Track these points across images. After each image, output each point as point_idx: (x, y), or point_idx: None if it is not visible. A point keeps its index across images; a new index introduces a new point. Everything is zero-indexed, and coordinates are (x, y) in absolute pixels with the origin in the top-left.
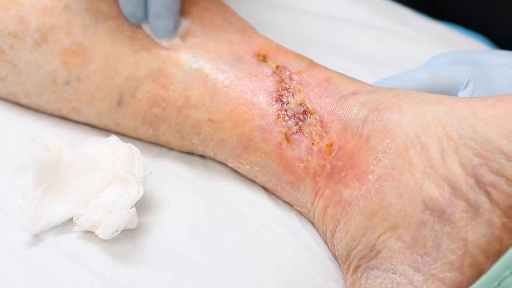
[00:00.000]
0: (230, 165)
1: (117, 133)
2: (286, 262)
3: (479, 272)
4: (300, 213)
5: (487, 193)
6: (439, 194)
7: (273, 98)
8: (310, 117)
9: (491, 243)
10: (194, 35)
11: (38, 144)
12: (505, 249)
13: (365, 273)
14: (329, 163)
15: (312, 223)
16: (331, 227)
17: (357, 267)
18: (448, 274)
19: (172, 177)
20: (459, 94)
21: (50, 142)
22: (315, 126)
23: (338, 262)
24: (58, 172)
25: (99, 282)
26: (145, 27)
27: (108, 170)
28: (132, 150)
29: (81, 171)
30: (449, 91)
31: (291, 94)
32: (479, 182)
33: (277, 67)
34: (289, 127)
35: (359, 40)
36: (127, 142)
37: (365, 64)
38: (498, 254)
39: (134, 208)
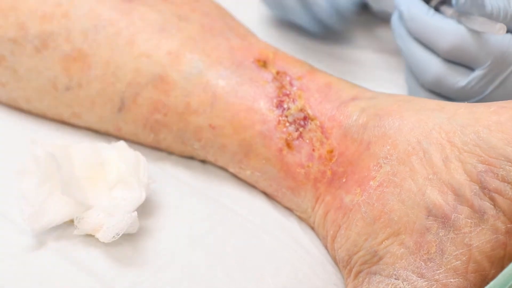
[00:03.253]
0: (231, 170)
1: (118, 138)
2: (286, 266)
3: (483, 278)
4: (300, 218)
5: (492, 199)
6: (443, 200)
7: (274, 104)
8: (310, 123)
9: (495, 249)
10: (195, 41)
11: (43, 144)
12: (510, 255)
13: (366, 278)
14: (329, 169)
15: (312, 228)
16: (332, 232)
17: (358, 272)
18: (452, 280)
19: (173, 182)
20: None
21: (56, 142)
22: (316, 132)
23: (338, 267)
24: (62, 172)
25: (99, 286)
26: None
27: (113, 174)
28: (139, 157)
29: (85, 173)
30: None
31: (291, 100)
32: (484, 189)
33: (278, 73)
34: (290, 133)
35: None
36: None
37: (365, 67)
38: (502, 260)
39: (135, 212)
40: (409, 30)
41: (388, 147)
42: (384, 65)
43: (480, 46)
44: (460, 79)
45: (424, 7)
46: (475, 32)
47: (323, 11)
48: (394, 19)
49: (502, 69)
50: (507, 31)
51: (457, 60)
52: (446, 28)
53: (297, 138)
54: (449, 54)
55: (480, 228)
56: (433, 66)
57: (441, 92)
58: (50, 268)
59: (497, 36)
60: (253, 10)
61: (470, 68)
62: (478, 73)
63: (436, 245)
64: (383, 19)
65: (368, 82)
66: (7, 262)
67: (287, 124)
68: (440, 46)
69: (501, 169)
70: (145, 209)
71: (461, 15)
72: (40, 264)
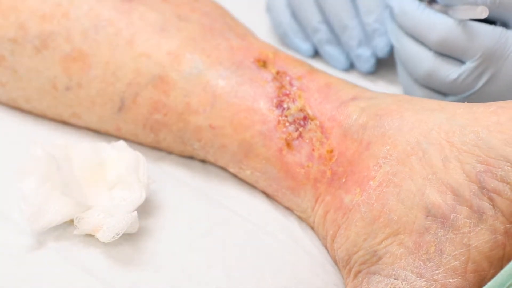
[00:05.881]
0: (231, 170)
1: (118, 138)
2: (286, 266)
3: (482, 278)
4: (300, 218)
5: (491, 200)
6: (442, 200)
7: (274, 104)
8: (310, 123)
9: (494, 249)
10: (195, 41)
11: (43, 144)
12: (508, 255)
13: (366, 278)
14: (329, 169)
15: (312, 228)
16: (331, 232)
17: (358, 272)
18: (451, 280)
19: (173, 182)
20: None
21: (56, 142)
22: (316, 132)
23: (338, 267)
24: (62, 172)
25: (100, 286)
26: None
27: (113, 174)
28: (139, 157)
29: (85, 173)
30: None
31: (291, 99)
32: (483, 189)
33: (277, 73)
34: (290, 133)
35: None
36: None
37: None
38: (501, 260)
39: (135, 212)
40: (400, 25)
41: (388, 147)
42: (384, 64)
43: (470, 38)
44: (452, 72)
45: (414, 2)
46: (464, 24)
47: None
48: (386, 15)
49: (492, 62)
50: (500, 24)
51: (447, 53)
52: (436, 21)
53: (297, 138)
54: (440, 46)
55: (479, 228)
56: (425, 60)
57: (434, 87)
58: (50, 268)
59: (487, 28)
60: (253, 10)
61: (461, 61)
62: (468, 65)
63: (435, 245)
64: None
65: (368, 82)
66: (7, 262)
67: (287, 124)
68: (430, 39)
69: (500, 170)
70: (145, 209)
71: (447, 7)
72: (40, 264)
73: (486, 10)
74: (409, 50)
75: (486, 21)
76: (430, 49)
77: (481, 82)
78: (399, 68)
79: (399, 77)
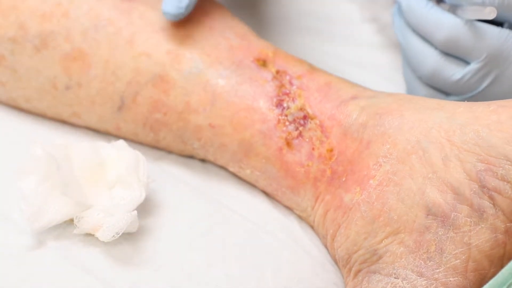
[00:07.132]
0: (231, 169)
1: (117, 137)
2: (286, 266)
3: (482, 277)
4: (300, 217)
5: (491, 198)
6: (442, 199)
7: (274, 103)
8: (310, 122)
9: (494, 248)
10: (194, 40)
11: (43, 144)
12: (509, 254)
13: (366, 277)
14: (329, 168)
15: (312, 227)
16: (331, 231)
17: (358, 271)
18: (451, 279)
19: (172, 181)
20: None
21: (56, 142)
22: (316, 131)
23: (338, 266)
24: (62, 171)
25: (99, 285)
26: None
27: (113, 173)
28: (138, 156)
29: (85, 173)
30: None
31: (291, 99)
32: (483, 187)
33: (277, 72)
34: (290, 132)
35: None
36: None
37: (364, 67)
38: (502, 259)
39: (135, 211)
40: (407, 22)
41: (388, 146)
42: (384, 64)
43: (476, 39)
44: (456, 72)
45: None
46: (471, 25)
47: None
48: (394, 11)
49: (498, 64)
50: (508, 26)
51: (453, 52)
52: (443, 20)
53: (297, 137)
54: (445, 46)
55: (480, 227)
56: (430, 58)
57: (437, 85)
58: (50, 267)
59: (493, 29)
60: (253, 9)
61: (466, 61)
62: (473, 66)
63: (435, 244)
64: None
65: (368, 81)
66: (7, 262)
67: (287, 123)
68: (436, 38)
69: (501, 168)
70: (144, 208)
71: (455, 7)
72: (40, 264)
73: (494, 11)
74: (414, 47)
75: (494, 22)
76: (435, 47)
77: (484, 84)
78: (404, 65)
79: (403, 74)
